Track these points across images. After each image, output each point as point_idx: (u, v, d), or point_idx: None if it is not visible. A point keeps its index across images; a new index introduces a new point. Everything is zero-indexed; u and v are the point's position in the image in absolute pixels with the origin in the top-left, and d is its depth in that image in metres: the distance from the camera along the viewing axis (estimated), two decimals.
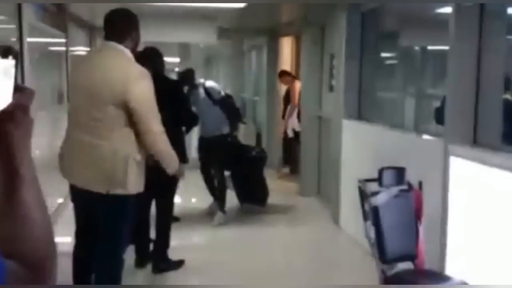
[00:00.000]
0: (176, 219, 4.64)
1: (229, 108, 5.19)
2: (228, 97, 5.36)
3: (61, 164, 2.82)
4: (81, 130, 2.67)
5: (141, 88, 2.59)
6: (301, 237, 4.92)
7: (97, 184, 2.63)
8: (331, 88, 5.75)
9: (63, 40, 5.81)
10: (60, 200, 5.33)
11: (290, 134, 7.04)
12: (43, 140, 5.53)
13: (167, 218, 3.89)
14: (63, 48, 5.88)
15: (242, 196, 5.59)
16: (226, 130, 5.14)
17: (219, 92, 5.16)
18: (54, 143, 4.44)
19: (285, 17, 6.89)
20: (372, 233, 2.79)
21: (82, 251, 2.94)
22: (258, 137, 8.41)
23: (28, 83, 4.15)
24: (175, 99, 3.76)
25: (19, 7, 3.92)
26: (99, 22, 6.36)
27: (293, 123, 6.96)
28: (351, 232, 4.67)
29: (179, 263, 3.93)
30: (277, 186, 6.83)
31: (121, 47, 2.66)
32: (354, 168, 4.74)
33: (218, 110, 5.02)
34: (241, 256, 4.28)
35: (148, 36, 6.95)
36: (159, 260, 3.84)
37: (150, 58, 3.66)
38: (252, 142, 7.67)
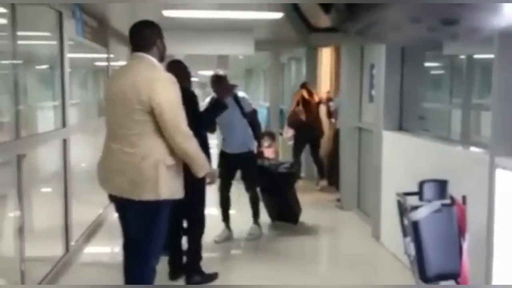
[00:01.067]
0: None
1: (256, 123, 5.08)
2: (255, 112, 5.16)
3: (99, 174, 2.89)
4: (113, 139, 2.75)
5: (166, 91, 2.65)
6: (340, 253, 4.80)
7: (129, 191, 2.68)
8: (371, 99, 5.62)
9: (105, 55, 5.95)
10: (100, 211, 5.42)
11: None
12: (88, 153, 5.65)
13: (198, 229, 3.86)
14: (106, 63, 6.02)
15: (273, 214, 5.51)
16: (253, 145, 4.99)
17: (250, 105, 4.99)
18: (97, 155, 4.52)
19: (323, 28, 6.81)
20: (412, 250, 2.67)
21: (131, 262, 2.92)
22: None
23: (70, 97, 4.26)
24: (194, 108, 3.75)
25: (60, 22, 4.03)
26: None
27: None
28: (393, 248, 4.51)
29: (213, 276, 3.89)
30: (316, 199, 6.73)
31: (147, 55, 2.77)
32: (395, 181, 4.60)
33: (246, 124, 4.86)
34: (277, 271, 4.20)
35: (187, 49, 7.11)
36: (192, 272, 3.81)
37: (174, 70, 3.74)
38: (290, 154, 7.60)
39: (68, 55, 4.12)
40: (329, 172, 7.30)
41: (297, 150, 7.36)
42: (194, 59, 8.12)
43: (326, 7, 4.25)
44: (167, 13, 5.11)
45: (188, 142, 2.72)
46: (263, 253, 4.67)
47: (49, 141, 4.05)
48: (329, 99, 7.25)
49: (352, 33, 3.85)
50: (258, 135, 5.12)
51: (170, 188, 2.70)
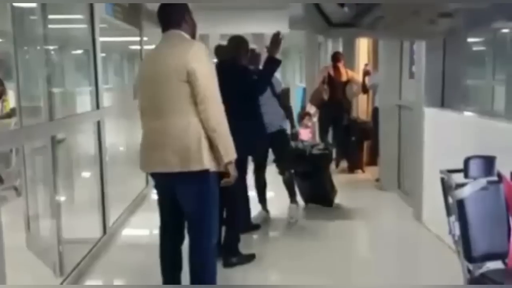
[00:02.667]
0: (256, 226, 4.64)
1: (287, 105, 4.97)
2: (286, 91, 5.05)
3: (141, 157, 2.83)
4: (154, 118, 2.69)
5: (201, 60, 2.62)
6: (380, 235, 4.63)
7: (174, 163, 2.63)
8: (411, 75, 5.40)
9: (138, 39, 5.93)
10: (137, 194, 5.45)
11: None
12: (124, 135, 5.69)
13: (233, 210, 3.79)
14: (139, 47, 6.00)
15: (307, 197, 5.38)
16: (285, 124, 4.89)
17: (281, 84, 4.88)
18: (133, 137, 4.54)
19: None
20: (457, 229, 2.51)
21: (169, 245, 2.90)
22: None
23: (103, 80, 4.26)
24: (245, 84, 3.74)
25: (91, 6, 4.00)
26: None
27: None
28: (436, 229, 4.34)
29: (250, 257, 3.84)
30: (355, 180, 6.57)
31: (178, 31, 2.76)
32: (437, 160, 4.40)
33: (277, 103, 4.70)
34: (315, 253, 4.11)
35: (223, 28, 7.02)
36: (230, 254, 3.77)
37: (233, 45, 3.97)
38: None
39: (101, 39, 4.09)
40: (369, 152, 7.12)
41: (321, 130, 7.14)
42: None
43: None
44: None
45: (219, 117, 2.65)
46: (301, 234, 4.58)
47: (84, 123, 4.07)
48: (366, 73, 6.84)
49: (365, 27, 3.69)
50: (291, 116, 5.03)
51: (212, 160, 2.66)
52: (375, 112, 6.50)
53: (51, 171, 3.35)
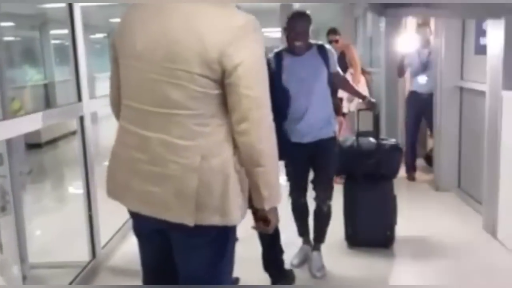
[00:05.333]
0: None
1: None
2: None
3: (110, 178, 1.73)
4: (144, 122, 1.60)
5: (252, 47, 1.52)
6: (441, 252, 3.59)
7: (177, 210, 1.57)
8: (479, 50, 4.31)
9: None
10: None
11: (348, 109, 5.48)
12: None
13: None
14: None
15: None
16: (336, 127, 3.30)
17: (335, 64, 3.56)
18: None
19: None
20: None
21: None
22: (376, 119, 6.40)
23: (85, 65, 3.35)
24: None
25: None
26: None
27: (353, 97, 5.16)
28: None
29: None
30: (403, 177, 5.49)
31: None
32: None
33: (329, 94, 3.25)
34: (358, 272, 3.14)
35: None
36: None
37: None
38: (368, 125, 6.12)
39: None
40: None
41: None
42: (253, 14, 7.05)
43: None
44: None
45: (269, 145, 1.58)
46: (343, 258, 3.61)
47: (58, 120, 3.20)
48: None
49: None
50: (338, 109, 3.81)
51: (242, 206, 1.63)
52: (411, 97, 5.42)
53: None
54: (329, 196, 3.19)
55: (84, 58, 3.24)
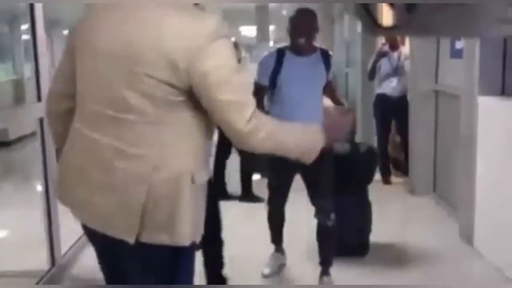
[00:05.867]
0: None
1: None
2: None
3: (60, 180, 1.62)
4: (96, 125, 1.48)
5: (220, 52, 1.42)
6: (417, 261, 3.53)
7: (121, 225, 1.44)
8: (454, 53, 4.26)
9: None
10: None
11: None
12: None
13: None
14: None
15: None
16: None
17: (332, 72, 3.38)
18: None
19: None
20: None
21: None
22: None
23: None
24: None
25: None
26: None
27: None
28: (493, 257, 3.27)
29: None
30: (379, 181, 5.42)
31: None
32: (496, 163, 3.32)
33: (321, 99, 3.12)
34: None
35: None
36: None
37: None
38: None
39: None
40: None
41: None
42: (229, 14, 6.92)
43: None
44: None
45: (265, 139, 1.46)
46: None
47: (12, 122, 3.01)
48: (382, 54, 5.23)
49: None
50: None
51: (195, 224, 1.49)
52: (379, 100, 5.34)
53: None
54: (332, 208, 2.92)
55: (46, 55, 3.06)
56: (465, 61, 3.76)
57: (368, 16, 1.84)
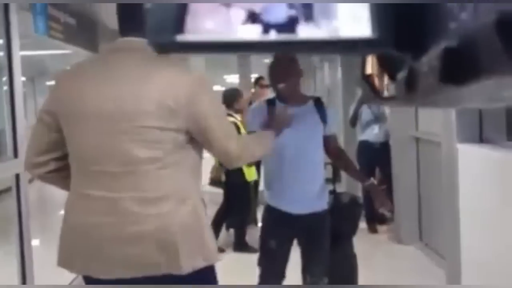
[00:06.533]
0: None
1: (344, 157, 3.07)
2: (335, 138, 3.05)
3: (66, 250, 1.67)
4: (107, 187, 1.58)
5: (209, 95, 1.69)
6: None
7: (164, 262, 1.59)
8: None
9: None
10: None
11: None
12: None
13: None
14: None
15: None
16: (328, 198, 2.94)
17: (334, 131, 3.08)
18: None
19: None
20: None
21: None
22: (335, 167, 6.10)
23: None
24: None
25: (6, 16, 2.91)
26: None
27: None
28: None
29: None
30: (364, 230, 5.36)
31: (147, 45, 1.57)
32: (479, 211, 3.30)
33: (323, 158, 2.93)
34: None
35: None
36: None
37: None
38: (327, 173, 5.97)
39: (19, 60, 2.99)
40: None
41: None
42: (212, 62, 7.01)
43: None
44: None
45: (252, 155, 1.85)
46: None
47: None
48: (362, 101, 5.37)
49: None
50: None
51: (215, 247, 1.74)
52: (362, 147, 5.36)
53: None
54: (326, 272, 2.73)
55: (21, 108, 3.03)
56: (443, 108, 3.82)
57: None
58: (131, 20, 1.65)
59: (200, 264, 1.62)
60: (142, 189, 1.56)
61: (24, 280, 2.96)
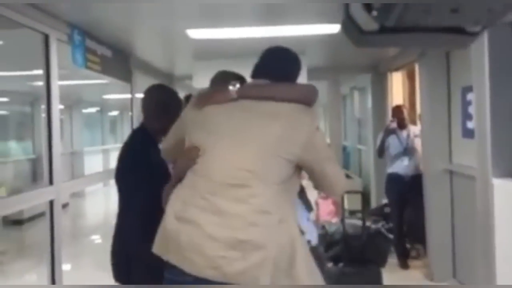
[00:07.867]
0: None
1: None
2: None
3: (168, 239, 1.78)
4: (225, 193, 1.77)
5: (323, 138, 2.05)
6: None
7: (253, 271, 1.70)
8: (466, 133, 4.25)
9: (128, 96, 4.96)
10: None
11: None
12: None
13: None
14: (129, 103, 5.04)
15: None
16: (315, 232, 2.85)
17: None
18: None
19: (393, 48, 5.51)
20: None
21: None
22: (365, 197, 5.47)
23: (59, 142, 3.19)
24: None
25: (47, 47, 3.02)
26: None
27: None
28: None
29: None
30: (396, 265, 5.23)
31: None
32: None
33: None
34: None
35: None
36: None
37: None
38: (357, 203, 5.92)
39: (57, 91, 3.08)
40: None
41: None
42: None
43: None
44: (192, 33, 4.01)
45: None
46: None
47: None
48: (390, 132, 5.23)
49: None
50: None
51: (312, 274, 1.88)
52: (391, 179, 5.23)
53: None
54: None
55: (58, 136, 3.10)
56: (477, 141, 3.74)
57: (352, 24, 1.92)
58: (279, 71, 2.02)
59: (281, 282, 1.75)
60: (255, 204, 1.77)
61: None
